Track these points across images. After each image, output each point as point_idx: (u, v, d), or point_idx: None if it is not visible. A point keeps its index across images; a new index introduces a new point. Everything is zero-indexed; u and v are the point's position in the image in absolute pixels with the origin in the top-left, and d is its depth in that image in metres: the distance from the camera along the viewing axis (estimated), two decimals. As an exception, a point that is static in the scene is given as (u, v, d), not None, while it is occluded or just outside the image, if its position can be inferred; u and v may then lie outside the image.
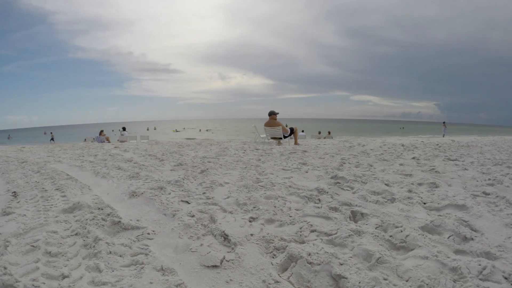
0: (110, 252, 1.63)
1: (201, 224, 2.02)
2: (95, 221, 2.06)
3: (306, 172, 3.71)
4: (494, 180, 3.01)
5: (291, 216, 2.11)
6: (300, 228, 1.89)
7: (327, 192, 2.69)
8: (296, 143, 8.04)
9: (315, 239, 1.74)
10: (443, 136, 17.76)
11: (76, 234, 1.92)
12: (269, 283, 1.35)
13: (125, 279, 1.39)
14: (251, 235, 1.81)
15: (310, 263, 1.43)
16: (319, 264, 1.42)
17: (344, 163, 4.29)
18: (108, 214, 2.19)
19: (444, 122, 25.73)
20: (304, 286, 1.35)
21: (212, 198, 2.61)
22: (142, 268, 1.49)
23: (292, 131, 8.06)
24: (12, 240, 1.81)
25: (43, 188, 3.18)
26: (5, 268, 1.43)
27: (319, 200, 2.50)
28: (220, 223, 1.99)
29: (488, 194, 2.53)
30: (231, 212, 2.24)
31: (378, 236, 1.75)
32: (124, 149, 6.94)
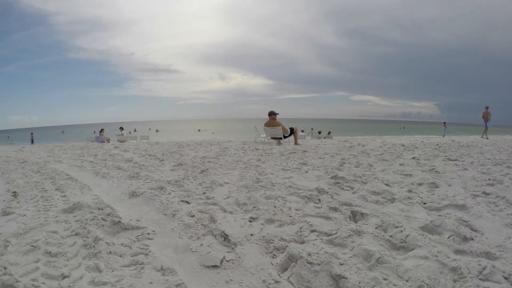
0: (110, 252, 1.63)
1: (201, 224, 2.02)
2: (95, 221, 2.06)
3: (306, 172, 3.71)
4: (494, 180, 3.01)
5: (291, 216, 2.11)
6: (300, 228, 1.89)
7: (327, 192, 2.69)
8: (296, 143, 8.04)
9: (315, 239, 1.74)
10: (443, 136, 17.82)
11: (76, 234, 1.92)
12: (269, 283, 1.35)
13: (125, 279, 1.39)
14: (251, 235, 1.81)
15: (310, 263, 1.43)
16: (319, 264, 1.42)
17: (344, 163, 4.29)
18: (108, 214, 2.19)
19: (444, 123, 26.05)
20: (304, 286, 1.35)
21: (212, 198, 2.61)
22: (142, 268, 1.49)
23: (292, 131, 8.06)
24: (12, 240, 1.81)
25: (43, 188, 3.18)
26: (5, 268, 1.43)
27: (319, 200, 2.50)
28: (220, 223, 1.99)
29: (488, 194, 2.53)
30: (231, 212, 2.24)
31: (378, 236, 1.75)
32: (124, 149, 6.94)
